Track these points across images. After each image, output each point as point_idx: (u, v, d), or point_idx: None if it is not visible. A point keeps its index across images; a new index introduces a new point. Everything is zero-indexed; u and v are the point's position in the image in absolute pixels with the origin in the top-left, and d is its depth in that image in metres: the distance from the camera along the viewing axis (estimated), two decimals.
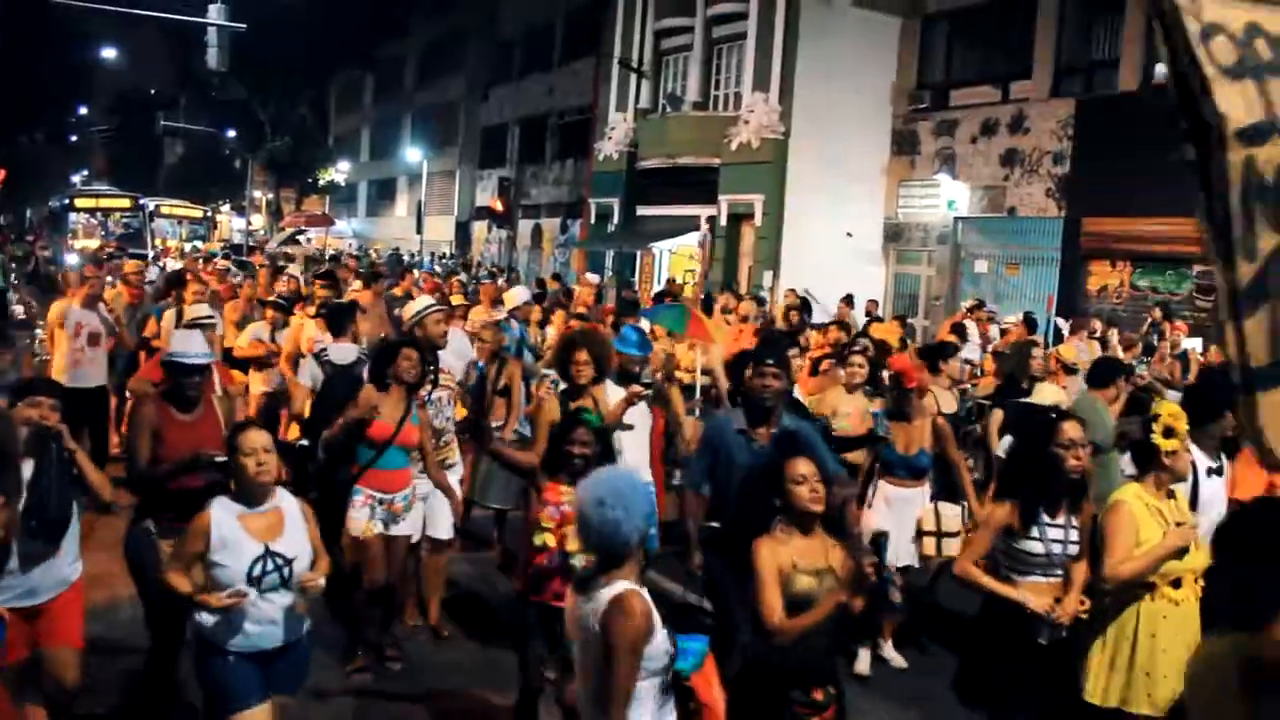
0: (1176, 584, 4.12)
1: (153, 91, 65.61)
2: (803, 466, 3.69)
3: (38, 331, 15.90)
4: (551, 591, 4.53)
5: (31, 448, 4.20)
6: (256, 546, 3.88)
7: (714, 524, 5.24)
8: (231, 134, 49.63)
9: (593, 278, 20.16)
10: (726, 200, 22.55)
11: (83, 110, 60.41)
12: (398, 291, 13.72)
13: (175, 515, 4.50)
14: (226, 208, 52.47)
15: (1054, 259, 18.56)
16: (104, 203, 34.35)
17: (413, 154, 41.06)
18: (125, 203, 34.05)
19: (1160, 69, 16.87)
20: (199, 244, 31.61)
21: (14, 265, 28.06)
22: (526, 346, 9.61)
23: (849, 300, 16.70)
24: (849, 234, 21.22)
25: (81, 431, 8.24)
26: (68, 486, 4.27)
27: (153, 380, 6.46)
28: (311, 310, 9.19)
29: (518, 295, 10.44)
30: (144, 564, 4.75)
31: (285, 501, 4.08)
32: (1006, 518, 4.16)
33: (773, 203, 21.48)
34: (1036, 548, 4.12)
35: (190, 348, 4.99)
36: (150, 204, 34.39)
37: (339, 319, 7.52)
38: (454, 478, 6.27)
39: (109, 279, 12.04)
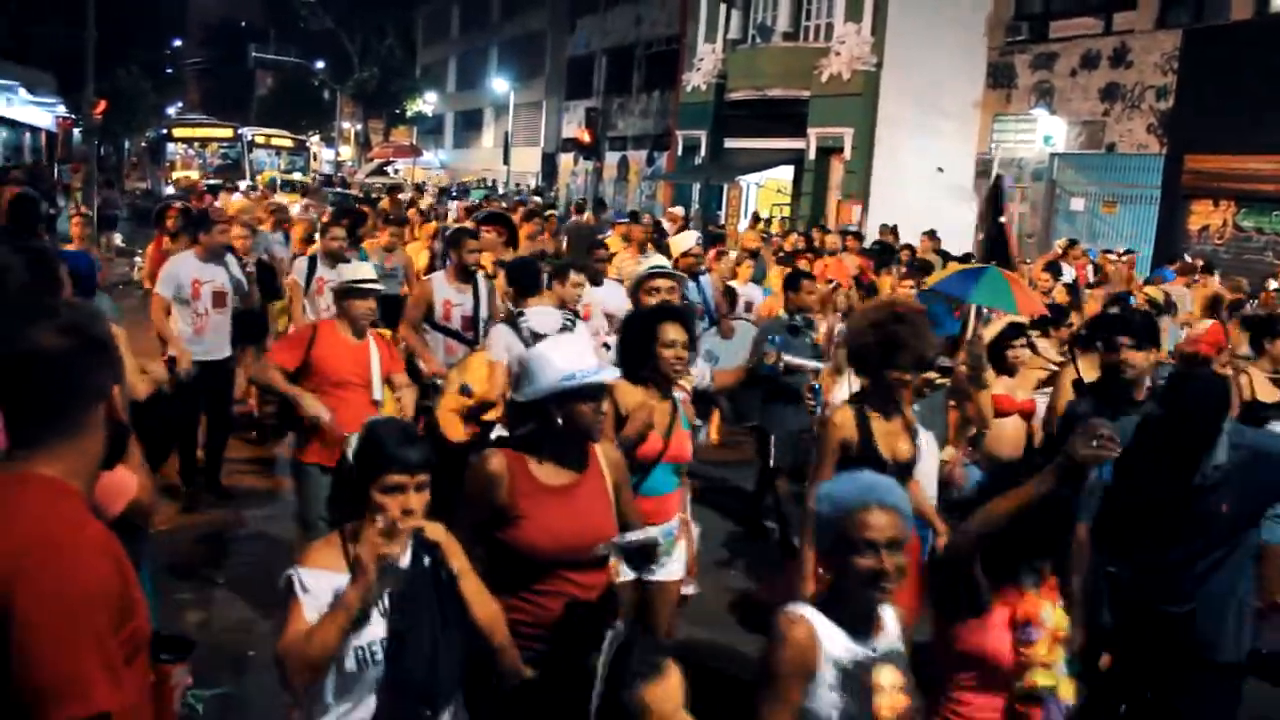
0: None
1: (243, 24, 66.63)
2: None
3: (137, 259, 16.01)
4: None
5: (392, 570, 2.41)
6: None
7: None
8: (320, 65, 50.27)
9: (677, 211, 20.20)
10: (815, 133, 22.35)
11: (176, 43, 61.63)
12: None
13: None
14: (316, 139, 53.39)
15: (1153, 197, 18.07)
16: (203, 132, 35.04)
17: (499, 85, 41.22)
18: (226, 132, 34.69)
19: None
20: (299, 175, 32.17)
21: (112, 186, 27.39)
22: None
23: (932, 235, 16.51)
24: (940, 169, 20.92)
25: (198, 415, 7.07)
26: (454, 635, 2.53)
27: (284, 366, 4.96)
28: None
29: (685, 241, 8.49)
30: None
31: None
32: None
33: (862, 136, 21.24)
34: None
35: (577, 363, 2.92)
36: (248, 134, 35.00)
37: (531, 274, 5.95)
38: None
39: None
